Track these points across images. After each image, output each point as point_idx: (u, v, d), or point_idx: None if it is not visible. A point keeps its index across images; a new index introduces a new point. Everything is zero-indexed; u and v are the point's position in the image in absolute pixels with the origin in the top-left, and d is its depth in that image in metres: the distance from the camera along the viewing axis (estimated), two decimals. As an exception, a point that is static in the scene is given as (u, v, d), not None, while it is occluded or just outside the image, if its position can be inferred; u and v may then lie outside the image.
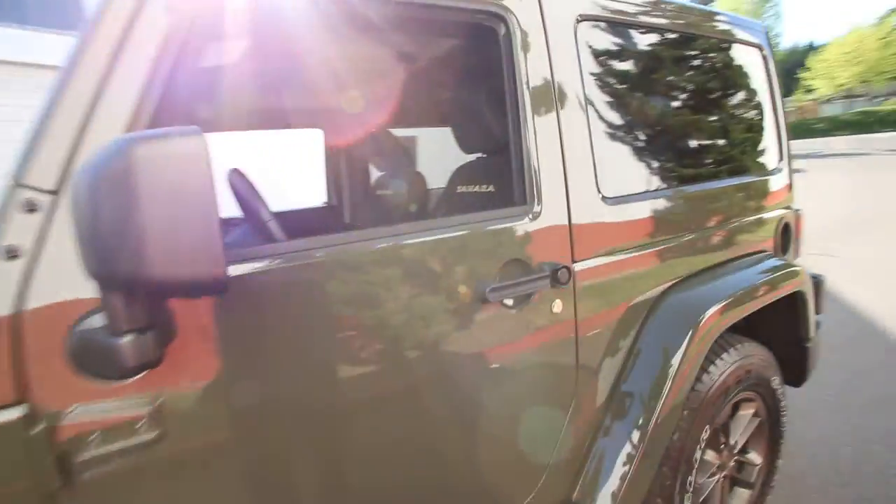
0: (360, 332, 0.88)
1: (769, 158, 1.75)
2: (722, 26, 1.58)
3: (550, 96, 1.11)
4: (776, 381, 1.59)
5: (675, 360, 1.22)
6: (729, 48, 1.62)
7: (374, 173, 2.53)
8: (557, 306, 1.10)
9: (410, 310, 0.91)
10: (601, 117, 1.24)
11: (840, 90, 31.36)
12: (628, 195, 1.27)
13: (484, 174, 1.50)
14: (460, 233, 0.98)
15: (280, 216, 2.70)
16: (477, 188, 1.55)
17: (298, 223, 2.59)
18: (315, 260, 0.83)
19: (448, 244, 0.96)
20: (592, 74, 1.23)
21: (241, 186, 1.09)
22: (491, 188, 1.49)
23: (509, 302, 1.02)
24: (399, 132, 2.63)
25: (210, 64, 1.31)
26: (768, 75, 1.73)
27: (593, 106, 1.21)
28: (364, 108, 2.36)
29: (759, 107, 1.71)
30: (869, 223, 6.61)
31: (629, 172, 1.32)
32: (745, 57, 1.67)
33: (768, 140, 1.75)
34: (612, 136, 1.28)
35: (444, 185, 3.08)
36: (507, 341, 1.05)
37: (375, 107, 2.28)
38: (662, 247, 1.33)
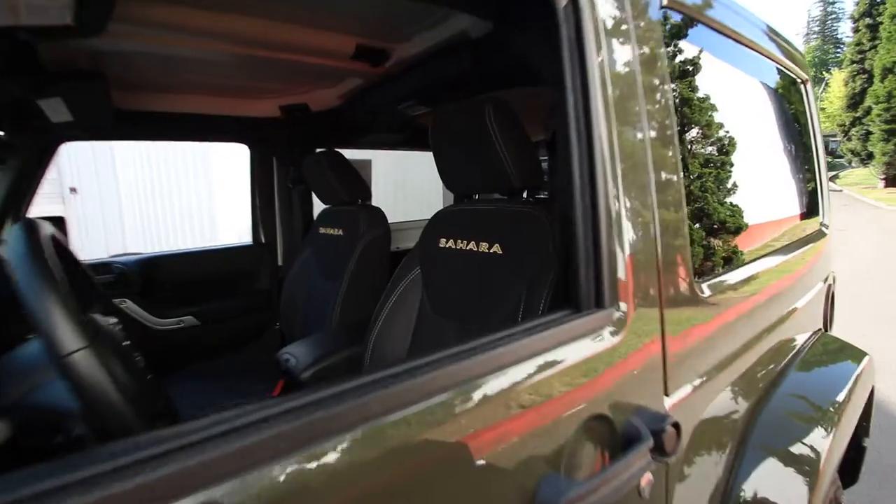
0: None
1: (823, 213, 1.44)
2: (788, 57, 1.24)
3: (639, 120, 0.66)
4: (842, 494, 1.24)
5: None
6: (793, 81, 1.29)
7: (318, 205, 1.97)
8: (646, 482, 0.63)
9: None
10: (691, 158, 0.82)
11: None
12: (719, 278, 0.84)
13: (489, 228, 1.03)
14: (493, 376, 0.48)
15: (194, 258, 2.09)
16: (473, 246, 1.06)
17: (218, 274, 1.99)
18: None
19: (474, 404, 0.46)
20: (678, 90, 0.81)
21: (25, 268, 0.48)
22: (498, 249, 1.01)
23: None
24: (351, 153, 2.11)
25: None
26: (814, 115, 1.44)
27: (683, 140, 0.78)
28: (307, 121, 1.82)
29: (813, 153, 1.40)
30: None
31: (716, 240, 0.90)
32: (802, 93, 1.36)
33: (821, 191, 1.44)
34: (701, 186, 0.85)
35: (402, 219, 2.61)
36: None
37: (323, 120, 1.75)
38: (749, 348, 0.92)
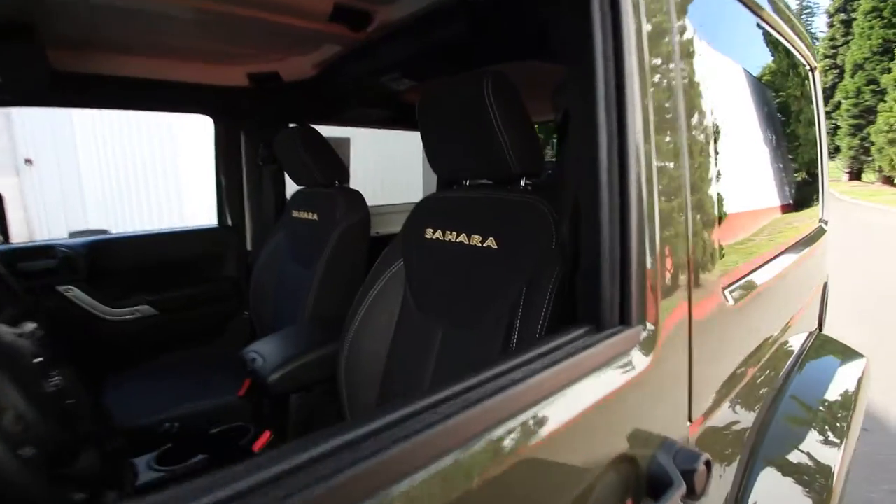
0: None
1: (823, 209, 1.38)
2: (802, 40, 1.15)
3: (676, 100, 0.55)
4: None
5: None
6: (803, 67, 1.21)
7: (291, 185, 1.82)
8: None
9: None
10: (722, 143, 0.72)
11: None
12: (739, 283, 0.76)
13: (483, 219, 0.92)
14: (508, 424, 0.38)
15: (151, 241, 1.89)
16: (464, 238, 0.95)
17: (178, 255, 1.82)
18: None
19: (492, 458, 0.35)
20: (704, 67, 0.70)
21: None
22: (492, 243, 0.90)
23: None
24: (329, 130, 1.94)
25: None
26: (821, 106, 1.37)
27: (715, 121, 0.68)
28: (278, 92, 1.65)
29: (817, 146, 1.33)
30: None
31: (736, 240, 0.81)
32: (810, 81, 1.28)
33: (822, 186, 1.38)
34: (724, 177, 0.76)
35: (382, 202, 2.46)
36: None
37: (296, 91, 1.58)
38: (758, 355, 0.85)
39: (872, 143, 15.08)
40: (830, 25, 19.78)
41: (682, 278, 0.56)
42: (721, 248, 0.68)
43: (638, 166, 0.49)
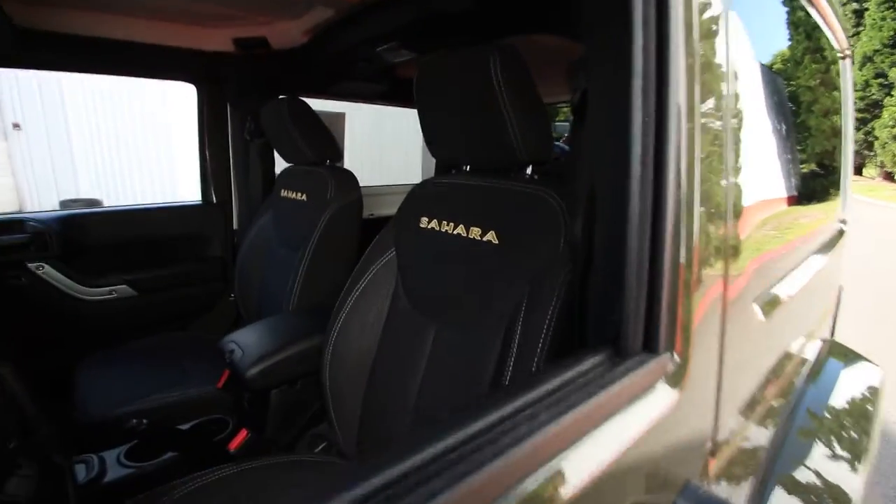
0: None
1: (843, 207, 1.30)
2: (840, 22, 1.05)
3: (724, 84, 0.46)
4: None
5: None
6: (836, 52, 1.10)
7: (280, 163, 1.71)
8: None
9: None
10: (757, 135, 0.63)
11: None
12: (767, 295, 0.68)
13: (483, 210, 0.83)
14: (522, 483, 0.30)
15: (130, 217, 1.78)
16: (462, 230, 0.87)
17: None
18: None
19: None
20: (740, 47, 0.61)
21: None
22: (493, 237, 0.82)
23: None
24: (322, 104, 1.82)
25: None
26: (850, 96, 1.27)
27: (754, 109, 0.59)
28: (267, 60, 1.54)
29: (842, 140, 1.24)
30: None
31: (767, 240, 0.73)
32: (841, 68, 1.18)
33: (844, 183, 1.30)
34: (759, 173, 0.67)
35: (374, 184, 2.36)
36: None
37: (286, 60, 1.46)
38: (779, 370, 0.78)
39: (876, 138, 14.91)
40: (842, 15, 19.34)
41: (717, 291, 0.48)
42: (753, 252, 0.60)
43: (677, 157, 0.40)
